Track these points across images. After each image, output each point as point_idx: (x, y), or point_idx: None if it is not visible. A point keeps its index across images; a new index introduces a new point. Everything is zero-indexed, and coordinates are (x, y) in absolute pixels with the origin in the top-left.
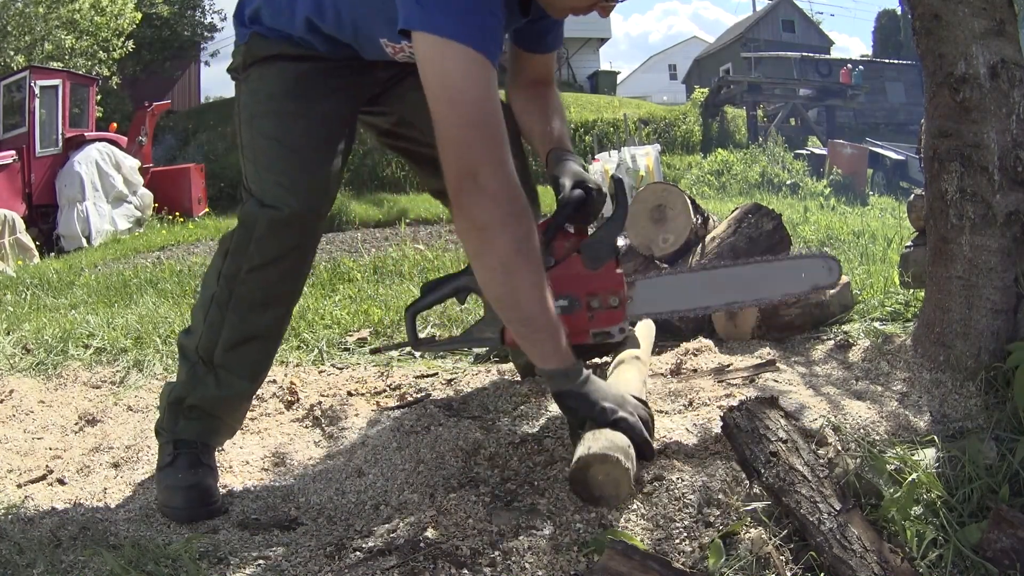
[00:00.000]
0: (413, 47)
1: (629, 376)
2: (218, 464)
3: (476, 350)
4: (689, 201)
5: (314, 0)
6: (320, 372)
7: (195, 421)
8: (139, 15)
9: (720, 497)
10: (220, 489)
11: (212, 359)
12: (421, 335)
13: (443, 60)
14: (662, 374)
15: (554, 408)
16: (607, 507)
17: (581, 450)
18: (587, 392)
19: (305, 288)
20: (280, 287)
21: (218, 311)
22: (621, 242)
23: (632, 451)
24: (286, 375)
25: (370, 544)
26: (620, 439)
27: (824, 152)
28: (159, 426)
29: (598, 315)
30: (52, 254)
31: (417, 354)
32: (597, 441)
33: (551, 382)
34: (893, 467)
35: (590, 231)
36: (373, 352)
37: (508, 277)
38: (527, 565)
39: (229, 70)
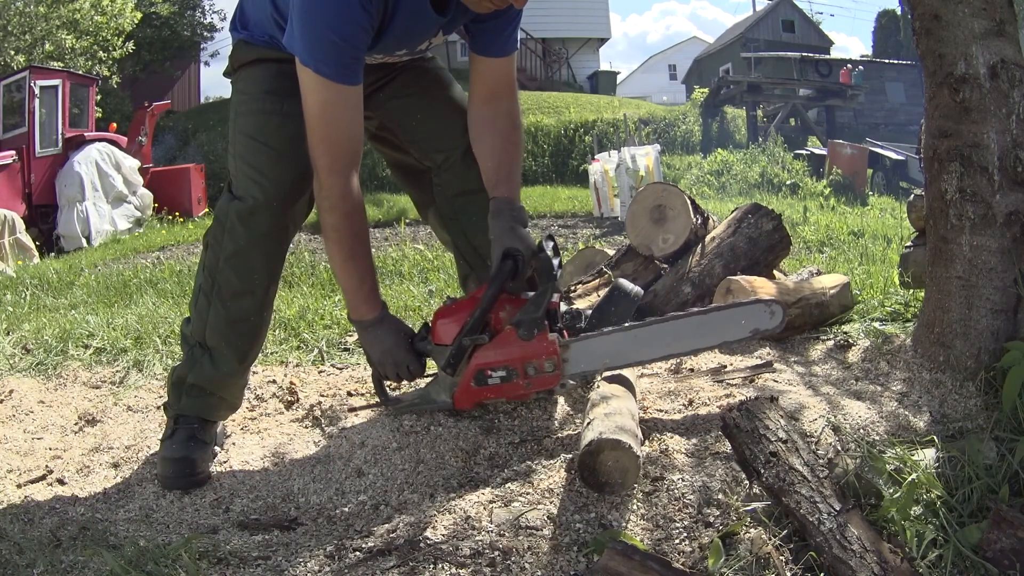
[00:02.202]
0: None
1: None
2: (218, 464)
3: None
4: (689, 201)
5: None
6: (320, 372)
7: (195, 399)
8: (139, 15)
9: (720, 497)
10: (215, 464)
11: (205, 342)
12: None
13: (303, 79)
14: (661, 374)
15: (554, 408)
16: (611, 493)
17: (591, 434)
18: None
19: (305, 288)
20: (255, 273)
21: (205, 299)
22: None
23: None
24: (286, 375)
25: (370, 544)
26: (630, 424)
27: (824, 152)
28: (166, 403)
29: (534, 380)
30: (52, 254)
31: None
32: (608, 427)
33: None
34: (893, 467)
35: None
36: (351, 411)
37: (330, 246)
38: (527, 565)
39: (225, 74)
